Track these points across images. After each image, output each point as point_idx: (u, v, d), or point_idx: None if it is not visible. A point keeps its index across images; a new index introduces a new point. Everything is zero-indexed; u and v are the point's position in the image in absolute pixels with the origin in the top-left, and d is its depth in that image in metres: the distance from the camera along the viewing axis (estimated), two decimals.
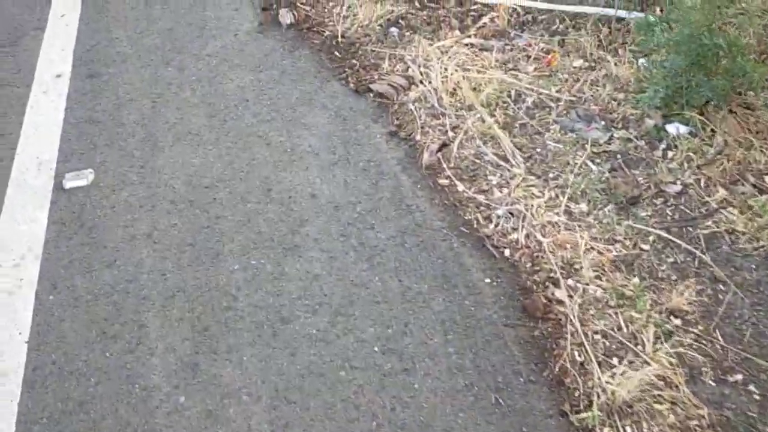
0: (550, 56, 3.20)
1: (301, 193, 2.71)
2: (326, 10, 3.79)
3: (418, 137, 2.90)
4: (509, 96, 3.04)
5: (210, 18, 3.88)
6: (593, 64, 3.16)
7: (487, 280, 2.31)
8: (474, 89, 3.07)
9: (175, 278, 2.42)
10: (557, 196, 2.55)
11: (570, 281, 2.24)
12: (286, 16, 3.74)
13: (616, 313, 2.13)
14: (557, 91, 3.03)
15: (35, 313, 2.34)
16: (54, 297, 2.40)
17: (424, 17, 3.55)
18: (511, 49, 3.31)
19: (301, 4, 3.85)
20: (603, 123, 2.84)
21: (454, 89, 3.08)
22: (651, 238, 2.37)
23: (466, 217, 2.53)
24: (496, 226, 2.47)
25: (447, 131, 2.90)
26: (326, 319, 2.24)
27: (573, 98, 2.98)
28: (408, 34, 3.47)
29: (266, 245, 2.51)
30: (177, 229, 2.61)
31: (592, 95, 2.98)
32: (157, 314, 2.30)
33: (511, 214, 2.49)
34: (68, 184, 2.86)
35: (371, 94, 3.19)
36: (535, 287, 2.25)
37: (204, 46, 3.66)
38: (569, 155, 2.72)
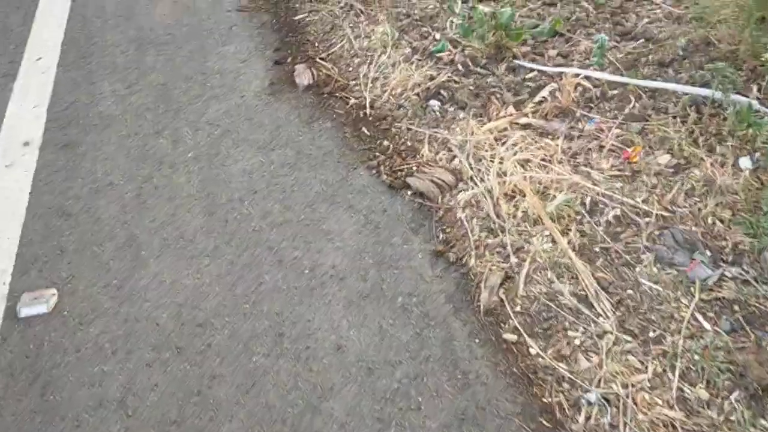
0: (630, 150, 2.47)
1: (323, 342, 1.99)
2: (351, 69, 3.04)
3: (471, 262, 2.18)
4: (583, 205, 2.32)
5: (212, 71, 3.13)
6: (683, 163, 2.42)
7: None
8: (538, 192, 2.35)
9: None
10: (665, 370, 1.84)
11: None
12: (303, 75, 2.99)
13: None
14: (644, 201, 2.30)
15: None
16: None
17: (471, 87, 2.80)
18: (579, 136, 2.58)
19: (321, 59, 3.10)
20: (709, 254, 2.12)
21: (514, 193, 2.36)
22: None
23: (544, 400, 1.81)
24: (588, 419, 1.76)
25: (509, 255, 2.18)
26: None
27: (665, 213, 2.26)
28: (452, 109, 2.73)
29: (276, 429, 1.80)
30: (158, 394, 1.89)
31: (689, 211, 2.26)
32: None
33: (606, 400, 1.78)
34: (24, 312, 2.13)
35: (409, 192, 2.46)
36: None
37: (204, 109, 2.91)
38: (671, 302, 2.00)
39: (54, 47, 3.36)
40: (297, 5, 3.51)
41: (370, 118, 2.77)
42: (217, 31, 3.40)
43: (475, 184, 2.41)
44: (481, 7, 3.15)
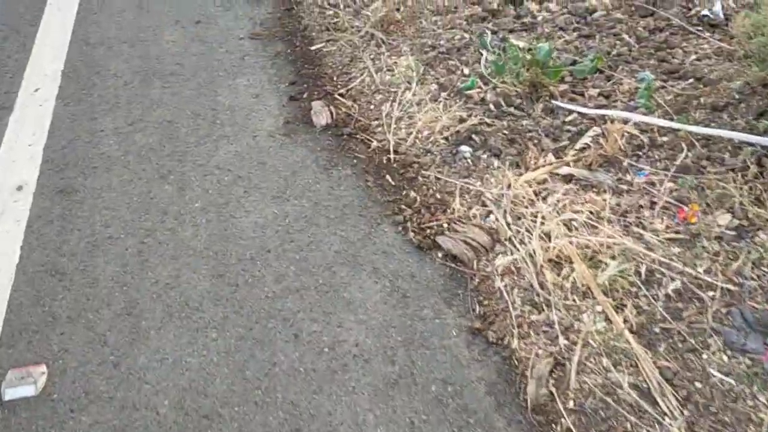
0: (687, 210, 2.19)
1: None
2: (372, 108, 2.75)
3: (514, 344, 1.89)
4: (638, 274, 2.03)
5: (222, 107, 2.85)
6: (747, 225, 2.14)
7: None
8: (586, 258, 2.07)
9: None
10: None
11: None
12: (320, 114, 2.71)
13: None
14: (706, 271, 2.02)
15: None
16: None
17: (504, 131, 2.51)
18: (628, 190, 2.29)
19: (340, 95, 2.82)
20: None
21: (559, 258, 2.08)
22: None
23: None
24: None
25: (557, 336, 1.89)
26: None
27: (731, 287, 1.97)
28: (485, 156, 2.45)
29: None
30: None
31: (759, 284, 1.97)
32: None
33: None
34: (9, 394, 1.84)
35: (439, 254, 2.18)
36: None
37: (213, 151, 2.63)
38: (747, 400, 1.72)
39: (53, 77, 3.09)
40: (313, 33, 3.24)
41: (395, 165, 2.49)
42: (228, 61, 3.13)
43: (515, 247, 2.13)
44: (513, 39, 2.87)
